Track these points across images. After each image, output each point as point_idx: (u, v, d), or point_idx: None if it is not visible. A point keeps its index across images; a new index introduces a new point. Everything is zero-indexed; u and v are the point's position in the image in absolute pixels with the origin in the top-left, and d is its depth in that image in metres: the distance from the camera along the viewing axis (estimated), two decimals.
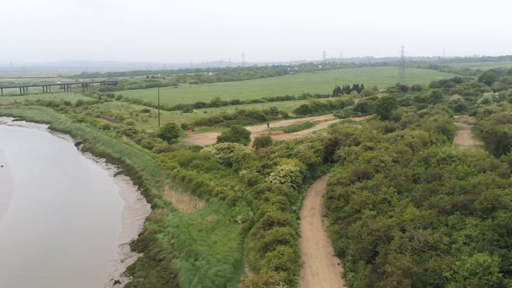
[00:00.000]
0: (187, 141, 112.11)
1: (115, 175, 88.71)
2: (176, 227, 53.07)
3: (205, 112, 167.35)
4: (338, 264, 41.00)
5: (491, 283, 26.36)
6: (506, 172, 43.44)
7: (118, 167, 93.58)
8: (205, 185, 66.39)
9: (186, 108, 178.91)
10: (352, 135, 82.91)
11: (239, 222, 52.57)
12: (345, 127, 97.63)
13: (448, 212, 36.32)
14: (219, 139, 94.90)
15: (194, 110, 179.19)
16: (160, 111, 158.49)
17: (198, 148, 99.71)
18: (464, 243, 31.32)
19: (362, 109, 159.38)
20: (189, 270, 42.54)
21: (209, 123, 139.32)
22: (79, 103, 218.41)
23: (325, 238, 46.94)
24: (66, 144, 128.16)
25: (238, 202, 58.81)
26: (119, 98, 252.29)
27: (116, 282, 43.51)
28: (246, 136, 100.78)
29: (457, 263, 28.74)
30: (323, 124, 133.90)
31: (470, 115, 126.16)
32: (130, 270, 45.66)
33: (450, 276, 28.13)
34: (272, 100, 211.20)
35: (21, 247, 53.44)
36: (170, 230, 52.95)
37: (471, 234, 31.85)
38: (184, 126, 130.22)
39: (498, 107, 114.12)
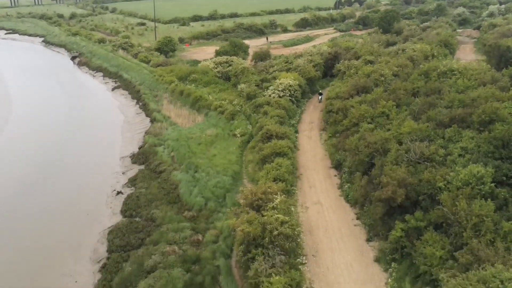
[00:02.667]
0: (185, 55, 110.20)
1: (113, 90, 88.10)
2: (176, 141, 53.62)
3: (203, 26, 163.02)
4: (335, 176, 41.97)
5: (483, 192, 27.10)
6: (506, 86, 43.17)
7: (115, 82, 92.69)
8: (203, 99, 66.20)
9: (182, 21, 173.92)
10: (352, 49, 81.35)
11: (238, 135, 53.12)
12: (346, 41, 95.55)
13: (446, 125, 36.53)
14: (217, 53, 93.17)
15: (191, 24, 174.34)
16: (156, 24, 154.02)
17: (196, 62, 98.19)
18: (460, 155, 31.81)
19: (363, 23, 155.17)
20: (189, 181, 43.55)
21: (207, 37, 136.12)
22: (73, 16, 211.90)
23: (322, 151, 47.65)
24: (62, 58, 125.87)
25: (236, 116, 58.99)
26: (113, 11, 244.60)
27: (119, 192, 44.71)
28: (244, 50, 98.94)
29: (451, 174, 29.37)
30: (323, 38, 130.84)
31: (474, 29, 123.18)
32: (132, 182, 46.77)
33: (443, 186, 28.86)
34: (271, 13, 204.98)
35: (23, 161, 54.20)
36: (170, 143, 53.51)
37: (467, 147, 32.27)
38: (181, 40, 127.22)
39: (503, 21, 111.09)
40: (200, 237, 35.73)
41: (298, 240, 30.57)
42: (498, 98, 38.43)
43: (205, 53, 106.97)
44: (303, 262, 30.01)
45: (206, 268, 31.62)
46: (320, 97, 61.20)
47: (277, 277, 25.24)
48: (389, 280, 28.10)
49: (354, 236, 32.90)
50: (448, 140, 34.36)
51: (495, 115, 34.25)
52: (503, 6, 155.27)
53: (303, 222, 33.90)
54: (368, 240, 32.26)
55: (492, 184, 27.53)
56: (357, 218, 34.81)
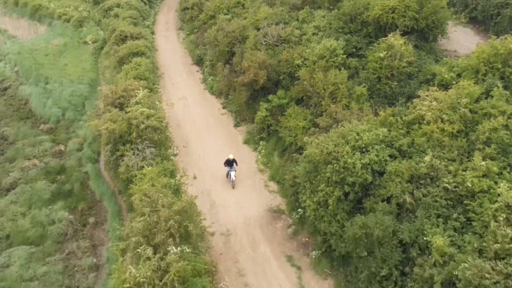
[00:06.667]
0: None
1: None
2: (18, 54, 48.34)
3: None
4: (197, 71, 41.37)
5: (337, 64, 28.59)
6: None
7: None
8: (44, 8, 59.45)
9: None
10: None
11: (90, 42, 49.44)
12: None
13: (299, 7, 37.24)
14: None
15: None
16: None
17: None
18: (313, 34, 32.86)
19: None
20: (40, 94, 39.99)
21: None
22: None
23: (182, 49, 46.32)
24: None
25: (85, 22, 54.49)
26: None
27: None
28: None
29: (307, 50, 30.38)
30: None
31: None
32: None
33: (301, 63, 29.88)
34: None
35: None
36: (12, 57, 48.16)
37: (319, 25, 33.38)
38: None
39: None
40: (62, 147, 33.59)
41: (168, 134, 30.10)
42: None
43: None
44: (175, 153, 29.87)
45: (74, 176, 30.16)
46: None
47: (149, 168, 24.75)
48: (259, 157, 29.31)
49: (222, 124, 33.32)
50: (302, 21, 35.20)
51: None
52: None
53: (170, 117, 33.29)
54: (236, 125, 32.95)
55: (344, 56, 29.12)
56: (223, 108, 35.15)
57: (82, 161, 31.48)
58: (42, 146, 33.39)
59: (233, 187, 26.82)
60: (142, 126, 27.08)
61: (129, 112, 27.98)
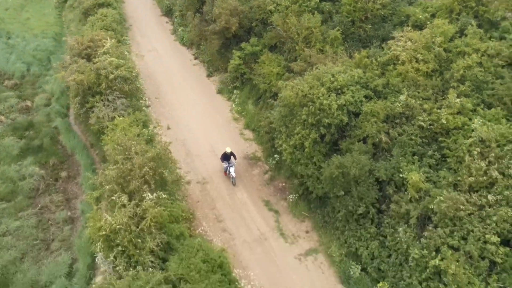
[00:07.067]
0: None
1: None
2: None
3: None
4: (167, 22, 40.07)
5: (310, 8, 27.77)
6: None
7: None
8: None
9: None
10: None
11: None
12: None
13: None
14: None
15: None
16: None
17: None
18: None
19: None
20: (2, 49, 38.09)
21: None
22: None
23: (150, 0, 44.60)
24: None
25: None
26: None
27: None
28: None
29: None
30: None
31: None
32: None
33: (274, 9, 29.07)
34: None
35: None
36: None
37: None
38: None
39: None
40: (29, 103, 32.36)
41: (139, 85, 29.25)
42: None
43: None
44: (147, 104, 29.17)
45: (43, 131, 29.17)
46: None
47: (121, 118, 24.09)
48: (233, 106, 28.88)
49: (194, 74, 32.56)
50: None
51: None
52: None
53: (141, 70, 32.26)
54: (209, 75, 32.25)
55: (317, 0, 28.39)
56: (195, 58, 34.30)
57: (51, 116, 30.43)
58: (8, 102, 32.03)
59: (234, 185, 23.32)
60: (111, 76, 26.18)
61: (97, 62, 26.93)
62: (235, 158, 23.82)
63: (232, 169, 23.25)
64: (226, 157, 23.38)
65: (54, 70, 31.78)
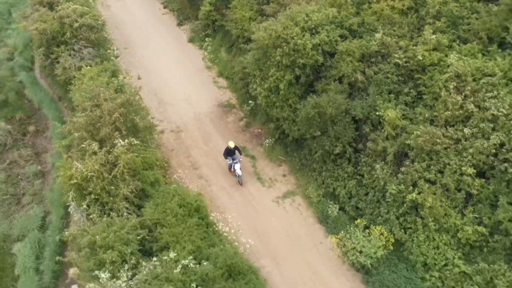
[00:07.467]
0: None
1: None
2: None
3: None
4: None
5: None
6: None
7: None
8: None
9: None
10: None
11: None
12: None
13: None
14: None
15: None
16: None
17: None
18: None
19: None
20: None
21: None
22: None
23: None
24: None
25: None
26: None
27: None
28: None
29: None
30: None
31: None
32: None
33: None
34: None
35: None
36: None
37: None
38: None
39: None
40: None
41: (106, 36, 28.01)
42: None
43: None
44: (116, 55, 28.11)
45: (7, 86, 27.93)
46: None
47: (88, 68, 23.09)
48: (206, 54, 28.06)
49: (164, 24, 31.39)
50: None
51: None
52: None
53: (108, 19, 30.72)
54: (179, 24, 31.12)
55: None
56: (164, 7, 32.94)
57: (15, 70, 29.12)
58: None
59: (241, 184, 20.52)
60: (76, 24, 24.86)
61: (60, 10, 25.54)
62: (240, 153, 21.11)
63: (237, 166, 20.38)
64: (229, 152, 20.55)
65: (15, 21, 30.18)
